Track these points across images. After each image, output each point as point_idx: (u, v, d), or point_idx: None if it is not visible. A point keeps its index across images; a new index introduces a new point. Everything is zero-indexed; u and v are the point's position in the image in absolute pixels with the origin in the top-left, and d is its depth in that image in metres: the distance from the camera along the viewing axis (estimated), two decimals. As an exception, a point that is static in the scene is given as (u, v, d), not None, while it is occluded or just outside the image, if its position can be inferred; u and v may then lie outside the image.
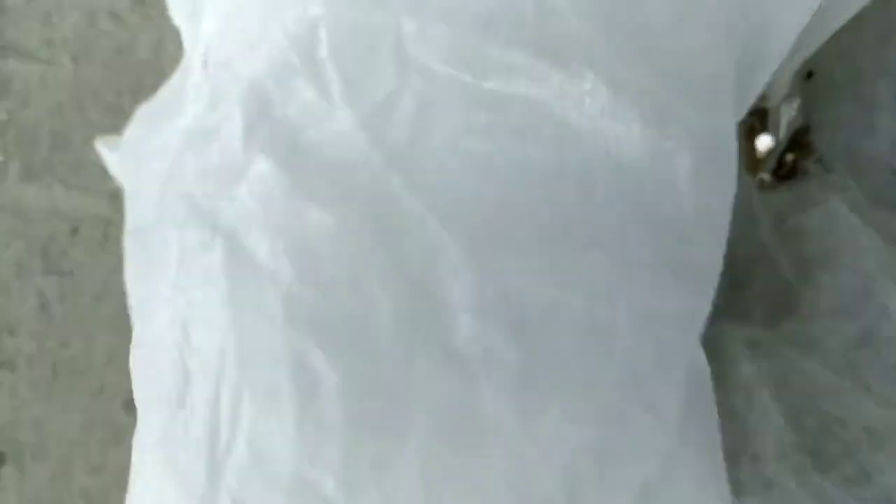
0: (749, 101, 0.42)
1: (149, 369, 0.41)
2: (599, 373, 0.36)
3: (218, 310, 0.37)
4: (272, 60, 0.38)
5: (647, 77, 0.36)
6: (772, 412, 0.51)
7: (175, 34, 0.46)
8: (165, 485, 0.38)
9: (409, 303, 0.35)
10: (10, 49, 0.75)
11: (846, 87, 0.63)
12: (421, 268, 0.36)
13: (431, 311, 0.35)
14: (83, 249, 0.74)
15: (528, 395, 0.35)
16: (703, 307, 0.39)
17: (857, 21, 0.62)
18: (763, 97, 0.61)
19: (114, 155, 0.51)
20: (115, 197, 0.73)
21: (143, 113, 0.47)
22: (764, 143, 0.62)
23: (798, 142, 0.63)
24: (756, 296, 0.57)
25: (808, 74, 0.63)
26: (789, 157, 0.62)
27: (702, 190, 0.38)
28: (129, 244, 0.44)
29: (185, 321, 0.38)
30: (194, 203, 0.39)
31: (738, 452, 0.48)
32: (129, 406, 0.57)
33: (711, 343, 0.55)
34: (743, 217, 0.60)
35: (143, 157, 0.44)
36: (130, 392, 0.43)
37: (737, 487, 0.46)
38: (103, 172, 0.54)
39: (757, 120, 0.62)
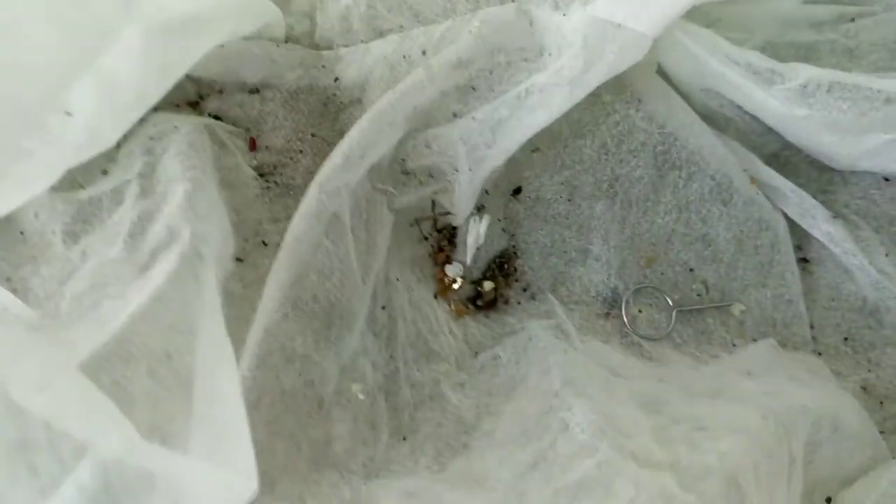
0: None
1: None
2: None
3: None
4: None
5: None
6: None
7: None
8: None
9: None
10: None
11: (558, 206, 0.55)
12: None
13: None
14: None
15: None
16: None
17: (575, 130, 0.55)
18: (448, 213, 0.53)
19: None
20: None
21: None
22: (453, 270, 0.53)
23: (502, 267, 0.55)
24: (423, 443, 0.47)
25: (514, 191, 0.56)
26: (488, 285, 0.53)
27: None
28: None
29: None
30: None
31: None
32: None
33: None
34: (420, 355, 0.50)
35: None
36: None
37: None
38: None
39: (444, 239, 0.54)
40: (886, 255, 0.51)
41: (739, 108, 0.53)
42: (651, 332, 0.52)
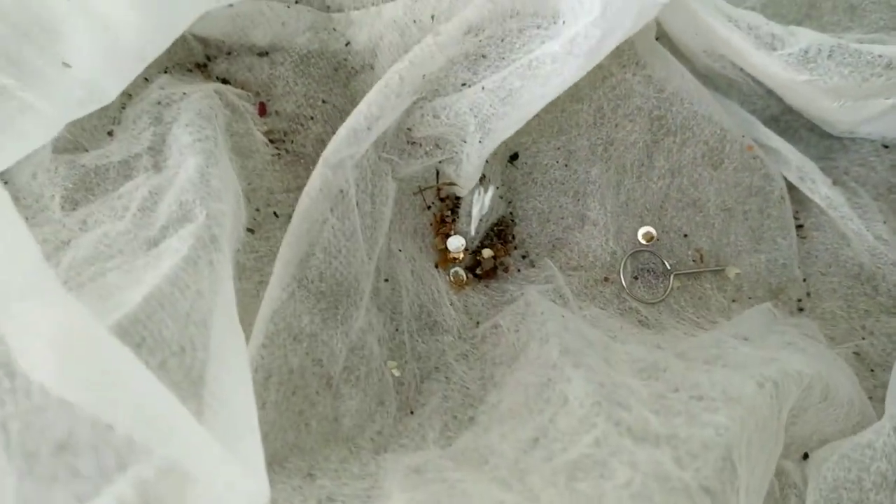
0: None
1: None
2: None
3: None
4: None
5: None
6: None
7: None
8: None
9: None
10: None
11: (555, 172, 0.55)
12: None
13: None
14: None
15: None
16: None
17: (572, 94, 0.55)
18: (453, 184, 0.53)
19: None
20: None
21: None
22: (455, 245, 0.53)
23: (500, 234, 0.54)
24: (430, 416, 0.47)
25: (511, 157, 0.55)
26: (487, 253, 0.53)
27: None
28: None
29: None
30: None
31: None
32: None
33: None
34: (423, 327, 0.50)
35: None
36: None
37: None
38: None
39: (447, 208, 0.53)
40: (884, 222, 0.52)
41: (742, 70, 0.53)
42: (649, 296, 0.53)
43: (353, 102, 0.55)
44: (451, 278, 0.53)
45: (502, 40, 0.46)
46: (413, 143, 0.51)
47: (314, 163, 0.46)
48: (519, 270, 0.54)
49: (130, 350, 0.28)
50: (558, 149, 0.55)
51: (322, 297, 0.45)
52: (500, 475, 0.41)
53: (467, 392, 0.48)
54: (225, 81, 0.52)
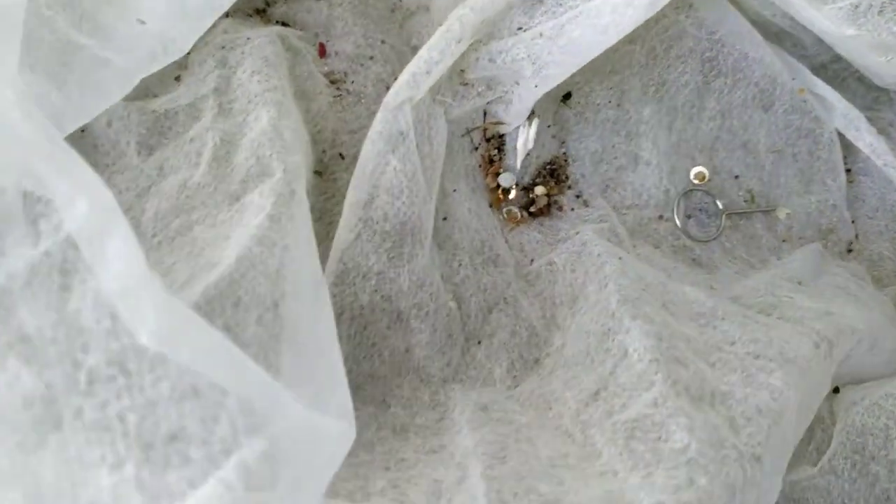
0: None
1: None
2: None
3: None
4: None
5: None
6: (478, 496, 0.43)
7: None
8: None
9: None
10: None
11: (607, 112, 0.56)
12: None
13: None
14: None
15: None
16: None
17: (624, 38, 0.55)
18: (500, 122, 0.54)
19: None
20: None
21: None
22: (506, 180, 0.54)
23: (553, 174, 0.56)
24: (497, 350, 0.49)
25: (564, 96, 0.56)
26: (540, 190, 0.54)
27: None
28: None
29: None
30: None
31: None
32: None
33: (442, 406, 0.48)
34: (486, 260, 0.52)
35: None
36: None
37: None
38: None
39: (493, 147, 0.54)
40: (926, 173, 0.53)
41: (792, 18, 0.53)
42: (701, 234, 0.54)
43: (409, 43, 0.56)
44: (505, 216, 0.54)
45: (561, -16, 0.47)
46: (466, 84, 0.51)
47: (375, 103, 0.47)
48: (573, 209, 0.55)
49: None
50: (611, 89, 0.56)
51: (387, 237, 0.47)
52: (564, 425, 0.43)
53: (533, 330, 0.49)
54: (284, 25, 0.53)
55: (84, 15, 0.44)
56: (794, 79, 0.55)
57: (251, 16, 0.54)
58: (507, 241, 0.53)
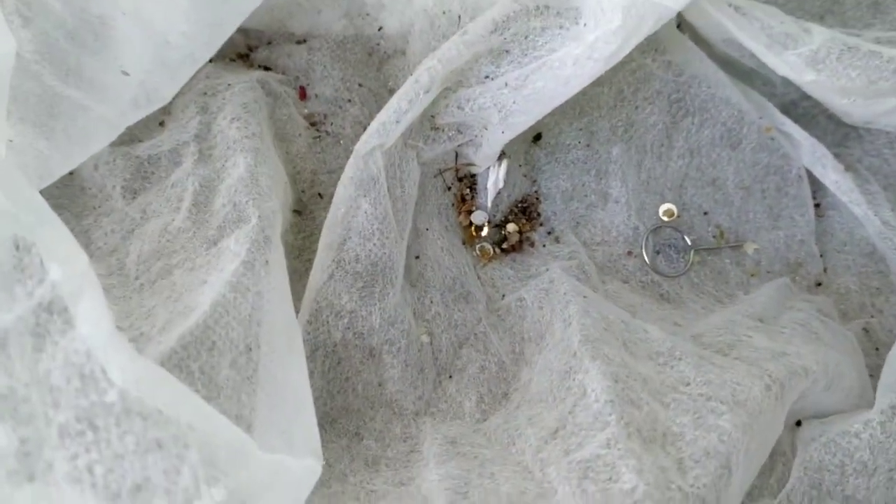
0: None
1: None
2: None
3: None
4: None
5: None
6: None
7: None
8: None
9: None
10: None
11: (577, 152, 0.58)
12: None
13: None
14: None
15: None
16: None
17: (594, 81, 0.57)
18: (471, 164, 0.56)
19: None
20: None
21: None
22: (478, 217, 0.56)
23: (525, 211, 0.57)
24: (468, 385, 0.51)
25: (535, 137, 0.58)
26: (512, 227, 0.56)
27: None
28: None
29: None
30: None
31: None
32: None
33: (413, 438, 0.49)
34: (457, 297, 0.54)
35: None
36: None
37: None
38: None
39: (466, 187, 0.56)
40: (892, 209, 0.54)
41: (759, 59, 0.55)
42: (670, 270, 0.56)
43: (386, 86, 0.58)
44: (479, 252, 0.56)
45: (526, 38, 0.48)
46: (436, 129, 0.53)
47: (353, 143, 0.49)
48: (545, 245, 0.57)
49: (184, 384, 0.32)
50: (580, 129, 0.58)
51: (359, 277, 0.49)
52: (525, 461, 0.44)
53: (503, 365, 0.51)
54: (266, 69, 0.55)
55: (70, 69, 0.46)
56: (761, 117, 0.56)
57: (234, 60, 0.56)
58: (479, 277, 0.55)
